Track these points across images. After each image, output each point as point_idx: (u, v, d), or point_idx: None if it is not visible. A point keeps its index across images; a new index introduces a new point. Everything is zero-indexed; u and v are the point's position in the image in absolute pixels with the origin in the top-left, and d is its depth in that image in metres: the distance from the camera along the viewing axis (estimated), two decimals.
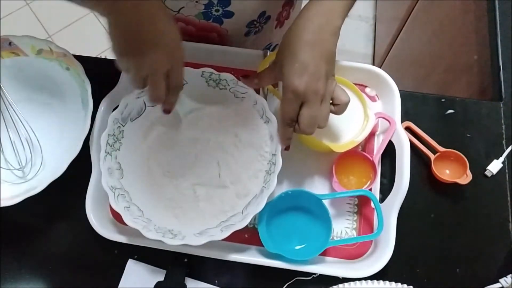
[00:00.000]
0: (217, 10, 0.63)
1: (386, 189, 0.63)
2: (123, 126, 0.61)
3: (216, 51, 0.68)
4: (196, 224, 0.59)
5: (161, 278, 0.59)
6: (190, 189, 0.62)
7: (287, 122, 0.53)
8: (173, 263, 0.59)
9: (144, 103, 0.63)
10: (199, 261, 0.59)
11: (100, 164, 0.58)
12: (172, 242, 0.54)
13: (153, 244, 0.57)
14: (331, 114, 0.54)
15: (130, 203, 0.58)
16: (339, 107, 0.55)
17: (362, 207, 0.64)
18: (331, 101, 0.54)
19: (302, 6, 0.54)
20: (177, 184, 0.62)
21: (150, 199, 0.61)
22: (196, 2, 0.61)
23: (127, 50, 0.47)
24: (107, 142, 0.59)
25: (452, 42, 1.02)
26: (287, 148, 0.57)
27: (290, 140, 0.56)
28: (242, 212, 0.58)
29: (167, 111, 0.55)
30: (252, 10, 0.66)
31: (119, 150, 0.61)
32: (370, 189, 0.63)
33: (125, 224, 0.56)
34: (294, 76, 0.50)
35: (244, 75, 0.60)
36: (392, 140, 0.64)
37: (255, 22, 0.68)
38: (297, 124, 0.53)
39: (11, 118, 0.65)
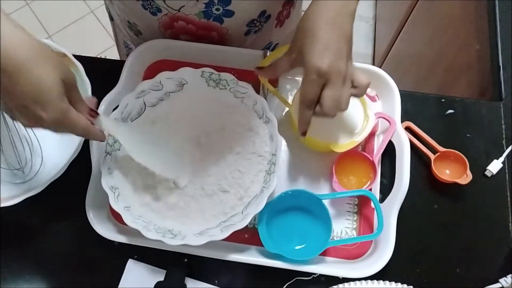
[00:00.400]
0: (217, 9, 0.63)
1: (386, 189, 0.63)
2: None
3: (216, 51, 0.68)
4: (196, 224, 0.59)
5: (161, 278, 0.59)
6: (190, 189, 0.62)
7: (307, 105, 0.51)
8: (173, 263, 0.59)
9: (144, 103, 0.63)
10: (199, 261, 0.59)
11: (100, 164, 0.58)
12: (172, 242, 0.54)
13: (153, 244, 0.57)
14: None
15: (130, 203, 0.58)
16: (359, 89, 0.53)
17: (362, 207, 0.64)
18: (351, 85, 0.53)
19: (303, 5, 0.54)
20: (177, 184, 0.62)
21: (150, 199, 0.61)
22: (197, 1, 0.61)
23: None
24: (107, 142, 0.59)
25: (452, 42, 1.02)
26: (304, 133, 0.55)
27: (309, 125, 0.54)
28: (242, 212, 0.58)
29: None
30: (253, 9, 0.66)
31: (119, 150, 0.61)
32: (370, 189, 0.63)
33: (125, 224, 0.56)
34: (317, 55, 0.49)
35: (259, 67, 0.60)
36: (392, 140, 0.64)
37: (255, 21, 0.68)
38: (318, 107, 0.51)
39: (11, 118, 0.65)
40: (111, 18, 0.81)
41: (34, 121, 0.44)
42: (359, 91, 0.54)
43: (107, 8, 0.80)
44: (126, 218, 0.55)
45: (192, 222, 0.59)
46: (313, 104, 0.51)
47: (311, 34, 0.50)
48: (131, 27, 0.73)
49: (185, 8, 0.63)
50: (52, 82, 0.43)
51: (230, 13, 0.64)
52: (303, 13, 0.53)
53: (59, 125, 0.45)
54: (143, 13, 0.66)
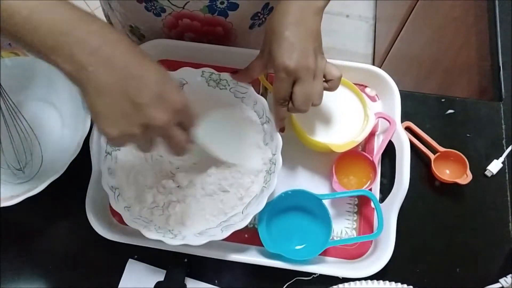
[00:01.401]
0: (222, 3, 0.63)
1: (386, 189, 0.63)
2: None
3: (216, 51, 0.68)
4: (196, 224, 0.59)
5: (161, 278, 0.59)
6: (190, 189, 0.61)
7: (280, 102, 0.53)
8: (173, 263, 0.59)
9: None
10: (199, 261, 0.59)
11: (100, 164, 0.58)
12: (172, 242, 0.54)
13: (153, 244, 0.57)
14: (331, 112, 0.54)
15: (130, 203, 0.58)
16: (332, 83, 0.55)
17: (362, 207, 0.64)
18: (324, 79, 0.54)
19: None
20: (177, 184, 0.62)
21: (150, 199, 0.60)
22: None
23: (121, 114, 0.41)
24: (107, 142, 0.59)
25: (452, 42, 1.02)
26: (282, 129, 0.58)
27: (284, 121, 0.57)
28: (242, 212, 0.58)
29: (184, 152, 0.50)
30: (256, 2, 0.66)
31: (119, 150, 0.61)
32: (370, 189, 0.63)
33: (125, 224, 0.56)
34: (284, 55, 0.50)
35: (233, 72, 0.61)
36: (392, 140, 0.64)
37: (259, 14, 0.68)
38: (291, 103, 0.53)
39: (11, 118, 0.65)
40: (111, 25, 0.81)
41: (169, 114, 0.42)
42: (332, 85, 0.55)
43: (106, 17, 0.80)
44: (126, 218, 0.55)
45: (192, 222, 0.59)
46: (285, 101, 0.53)
47: (278, 35, 0.51)
48: (133, 31, 0.73)
49: (189, 4, 0.63)
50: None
51: (234, 6, 0.64)
52: None
53: (182, 117, 0.44)
54: (146, 15, 0.66)
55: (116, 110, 0.40)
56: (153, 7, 0.64)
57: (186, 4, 0.63)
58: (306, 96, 0.52)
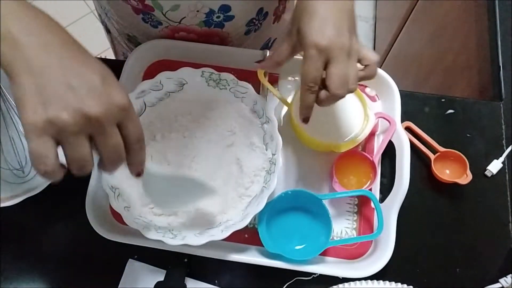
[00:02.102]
0: (218, 17, 0.63)
1: (386, 189, 0.63)
2: None
3: (216, 51, 0.68)
4: (196, 224, 0.58)
5: (161, 278, 0.59)
6: (190, 189, 0.61)
7: (309, 86, 0.47)
8: (173, 263, 0.59)
9: (144, 103, 0.63)
10: (199, 261, 0.59)
11: None
12: (172, 242, 0.54)
13: (153, 244, 0.57)
14: (331, 111, 0.53)
15: (130, 203, 0.58)
16: (369, 68, 0.49)
17: (362, 207, 0.64)
18: (359, 64, 0.49)
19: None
20: (177, 184, 0.62)
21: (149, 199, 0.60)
22: (197, 11, 0.61)
23: (53, 95, 0.34)
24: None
25: (452, 42, 1.02)
26: (305, 119, 0.51)
27: (311, 110, 0.50)
28: (242, 212, 0.58)
29: (139, 174, 0.43)
30: (251, 9, 0.66)
31: None
32: (370, 189, 0.63)
33: (125, 224, 0.56)
34: (316, 31, 0.45)
35: (259, 61, 0.58)
36: (392, 140, 0.64)
37: (254, 20, 0.68)
38: (324, 91, 0.47)
39: (12, 118, 0.65)
40: (108, 31, 0.80)
41: (109, 107, 0.36)
42: (369, 71, 0.49)
43: (102, 22, 0.79)
44: (126, 218, 0.55)
45: (192, 222, 0.59)
46: (315, 84, 0.47)
47: (309, 11, 0.46)
48: (130, 39, 0.73)
49: (186, 20, 0.63)
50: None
51: (230, 18, 0.64)
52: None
53: (124, 117, 0.37)
54: (143, 26, 0.66)
55: (47, 92, 0.34)
56: (150, 19, 0.64)
57: (182, 19, 0.63)
58: (343, 78, 0.46)
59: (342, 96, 0.47)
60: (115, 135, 0.37)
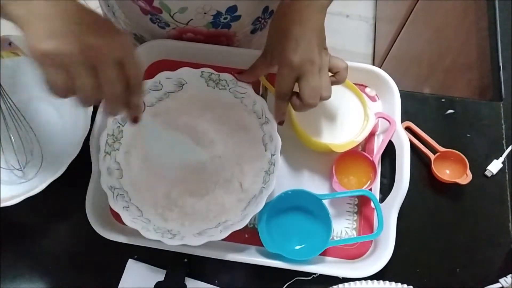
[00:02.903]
0: (225, 18, 0.63)
1: (386, 189, 0.63)
2: (123, 126, 0.61)
3: (216, 51, 0.68)
4: (195, 224, 0.59)
5: (161, 278, 0.59)
6: (189, 189, 0.62)
7: (282, 97, 0.54)
8: (173, 263, 0.59)
9: (144, 103, 0.63)
10: (199, 261, 0.59)
11: (99, 164, 0.58)
12: (171, 242, 0.54)
13: (153, 244, 0.57)
14: (331, 111, 0.54)
15: (129, 203, 0.58)
16: (339, 75, 0.55)
17: (362, 207, 0.64)
18: (331, 74, 0.55)
19: None
20: (176, 184, 0.62)
21: (149, 199, 0.61)
22: (205, 13, 0.61)
23: (62, 32, 0.39)
24: (106, 142, 0.59)
25: (452, 42, 1.02)
26: (281, 123, 0.58)
27: (285, 115, 0.57)
28: (241, 213, 0.58)
29: (135, 119, 0.48)
30: (256, 8, 0.66)
31: (118, 150, 0.61)
32: (370, 189, 0.63)
33: (125, 224, 0.56)
34: (288, 51, 0.51)
35: (239, 72, 0.61)
36: (392, 140, 0.64)
37: (260, 19, 0.69)
38: (299, 100, 0.53)
39: (11, 118, 0.65)
40: None
41: (107, 40, 0.40)
42: (339, 76, 0.56)
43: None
44: (125, 218, 0.55)
45: (191, 222, 0.59)
46: (286, 96, 0.54)
47: (282, 32, 0.52)
48: (137, 39, 0.73)
49: (193, 21, 0.63)
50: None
51: (237, 18, 0.64)
52: None
53: (125, 55, 0.41)
54: (151, 27, 0.66)
55: (55, 29, 0.38)
56: (158, 20, 0.64)
57: (190, 21, 0.63)
58: (313, 90, 0.52)
59: (315, 105, 0.53)
60: (116, 70, 0.41)
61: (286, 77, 0.52)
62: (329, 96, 0.54)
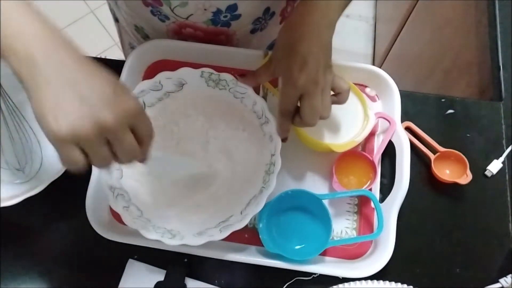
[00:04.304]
0: (225, 16, 0.63)
1: (386, 189, 0.63)
2: None
3: (216, 51, 0.68)
4: (195, 224, 0.59)
5: (161, 278, 0.59)
6: (189, 189, 0.62)
7: (286, 114, 0.54)
8: (173, 263, 0.59)
9: (144, 103, 0.63)
10: (199, 261, 0.59)
11: None
12: (171, 242, 0.54)
13: (153, 244, 0.57)
14: (332, 112, 0.54)
15: (129, 203, 0.58)
16: (340, 96, 0.56)
17: (362, 207, 0.64)
18: (332, 93, 0.55)
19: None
20: (175, 184, 0.62)
21: (149, 199, 0.60)
22: (205, 10, 0.61)
23: (72, 108, 0.38)
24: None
25: (452, 42, 1.02)
26: (284, 139, 0.58)
27: (288, 132, 0.57)
28: (241, 213, 0.58)
29: (143, 161, 0.47)
30: (257, 8, 0.67)
31: None
32: (370, 189, 0.63)
33: (125, 224, 0.56)
34: (294, 70, 0.50)
35: (241, 74, 0.61)
36: (392, 140, 0.64)
37: (260, 19, 0.69)
38: (298, 117, 0.54)
39: (11, 118, 0.65)
40: (116, 20, 0.81)
41: (121, 115, 0.39)
42: (340, 98, 0.56)
43: (111, 10, 0.80)
44: (125, 218, 0.55)
45: (191, 222, 0.59)
46: (290, 113, 0.54)
47: (289, 46, 0.52)
48: (138, 30, 0.74)
49: (193, 17, 0.63)
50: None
51: (237, 17, 0.64)
52: None
53: (136, 121, 0.41)
54: (151, 19, 0.66)
55: (65, 105, 0.38)
56: (158, 13, 0.64)
57: (189, 16, 0.63)
58: (314, 110, 0.52)
59: (314, 124, 0.53)
60: (129, 138, 0.41)
61: (290, 96, 0.52)
62: (328, 116, 0.54)
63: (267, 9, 0.68)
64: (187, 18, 0.64)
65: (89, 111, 0.38)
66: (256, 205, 0.55)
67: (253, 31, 0.71)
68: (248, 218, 0.54)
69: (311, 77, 0.50)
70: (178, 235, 0.56)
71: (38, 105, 0.38)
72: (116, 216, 0.62)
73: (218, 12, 0.62)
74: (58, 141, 0.38)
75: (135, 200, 0.59)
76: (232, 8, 0.62)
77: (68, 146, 0.38)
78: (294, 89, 0.51)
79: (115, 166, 0.59)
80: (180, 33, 0.68)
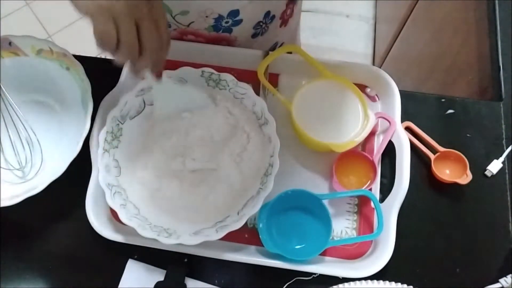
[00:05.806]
0: (226, 22, 0.63)
1: (386, 189, 0.63)
2: (122, 124, 0.61)
3: (216, 51, 0.68)
4: (191, 224, 0.58)
5: (161, 278, 0.59)
6: (187, 188, 0.61)
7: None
8: (173, 263, 0.59)
9: (144, 102, 0.63)
10: (199, 261, 0.59)
11: (97, 161, 0.58)
12: (167, 241, 0.54)
13: (152, 244, 0.57)
14: (331, 111, 0.53)
15: (126, 201, 0.58)
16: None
17: (362, 207, 0.64)
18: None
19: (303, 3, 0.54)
20: (174, 183, 0.62)
21: (146, 197, 0.60)
22: (206, 17, 0.61)
23: None
24: (105, 140, 0.59)
25: (452, 42, 1.02)
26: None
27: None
28: (238, 213, 0.58)
29: (159, 74, 0.51)
30: (258, 12, 0.67)
31: (117, 147, 0.61)
32: (370, 189, 0.63)
33: (125, 224, 0.56)
34: None
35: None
36: (392, 140, 0.64)
37: (261, 23, 0.69)
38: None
39: (11, 118, 0.65)
40: None
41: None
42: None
43: None
44: (122, 216, 0.55)
45: (188, 222, 0.59)
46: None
47: None
48: None
49: (194, 24, 0.63)
50: None
51: (238, 22, 0.65)
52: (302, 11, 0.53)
53: (160, 16, 0.46)
54: None
55: None
56: None
57: (191, 23, 0.63)
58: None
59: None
60: (153, 26, 0.45)
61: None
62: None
63: (267, 13, 0.68)
64: (188, 26, 0.64)
65: None
66: (253, 206, 0.55)
67: (254, 36, 0.71)
68: (244, 218, 0.54)
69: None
70: (174, 234, 0.56)
71: None
72: (115, 216, 0.62)
73: (219, 18, 0.62)
74: (95, 8, 0.42)
75: (132, 198, 0.59)
76: (234, 13, 0.62)
77: (104, 16, 0.42)
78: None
79: (113, 164, 0.59)
80: (182, 40, 0.68)
